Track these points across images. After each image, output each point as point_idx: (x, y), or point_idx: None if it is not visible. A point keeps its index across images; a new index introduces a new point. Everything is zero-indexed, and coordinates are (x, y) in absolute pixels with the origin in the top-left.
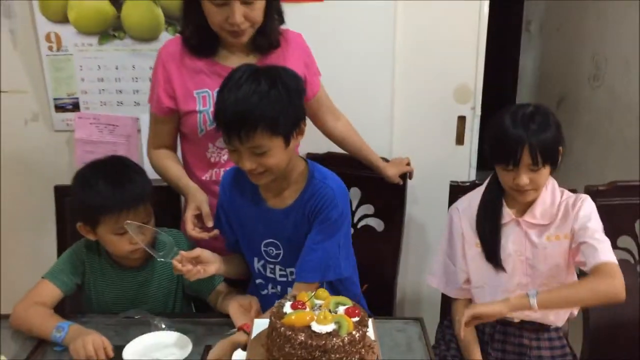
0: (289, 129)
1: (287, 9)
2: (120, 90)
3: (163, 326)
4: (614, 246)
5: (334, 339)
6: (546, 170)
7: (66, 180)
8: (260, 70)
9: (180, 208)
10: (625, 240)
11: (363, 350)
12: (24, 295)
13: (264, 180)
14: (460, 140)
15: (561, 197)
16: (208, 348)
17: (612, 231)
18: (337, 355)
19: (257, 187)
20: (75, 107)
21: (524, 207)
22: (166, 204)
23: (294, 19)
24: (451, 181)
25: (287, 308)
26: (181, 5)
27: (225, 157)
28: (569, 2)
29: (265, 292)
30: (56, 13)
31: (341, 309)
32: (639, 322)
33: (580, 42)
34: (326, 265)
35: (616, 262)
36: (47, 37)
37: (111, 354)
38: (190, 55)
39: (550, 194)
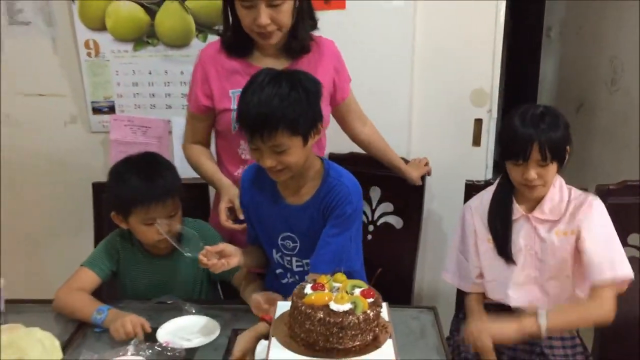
0: (307, 129)
1: None
2: (153, 94)
3: (193, 311)
4: (624, 244)
5: (350, 316)
6: (554, 166)
7: (102, 178)
8: (281, 74)
9: (208, 204)
10: (635, 238)
11: (377, 328)
12: (65, 282)
13: (283, 177)
14: (477, 142)
15: (569, 194)
16: (235, 332)
17: (623, 229)
18: (353, 332)
19: (276, 185)
20: (111, 109)
21: (534, 204)
22: (196, 200)
23: (318, 25)
24: (467, 180)
25: (308, 289)
26: (221, 8)
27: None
28: (588, 5)
29: (285, 280)
30: (94, 21)
31: (357, 291)
32: None
33: (598, 46)
34: (339, 258)
35: (611, 278)
36: (86, 44)
37: (148, 329)
38: (227, 56)
39: (559, 191)
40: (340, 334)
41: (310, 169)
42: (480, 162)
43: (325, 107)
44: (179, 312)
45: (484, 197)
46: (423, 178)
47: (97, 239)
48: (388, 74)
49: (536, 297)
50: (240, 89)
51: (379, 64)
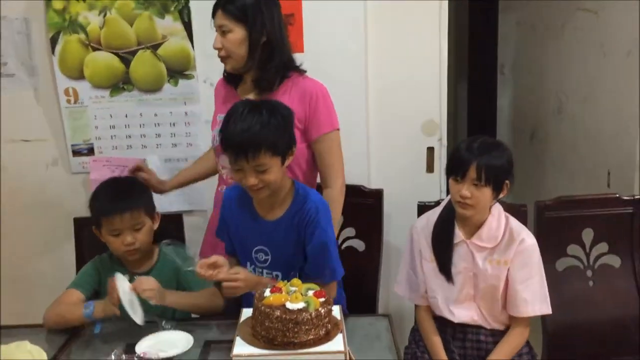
0: (285, 150)
1: None
2: (129, 135)
3: (169, 327)
4: (564, 254)
5: (304, 313)
6: (487, 191)
7: (83, 215)
8: (260, 104)
9: (183, 233)
10: (574, 249)
11: (329, 325)
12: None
13: (262, 195)
14: (430, 168)
15: (506, 224)
16: (207, 343)
17: (562, 240)
18: (307, 327)
19: (252, 203)
20: (90, 151)
21: (473, 230)
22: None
23: None
24: (419, 201)
25: (267, 292)
26: None
27: (227, 176)
28: (533, 45)
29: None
30: (73, 71)
31: (310, 292)
32: (592, 323)
33: (545, 79)
34: (333, 267)
35: (528, 314)
36: (66, 92)
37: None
38: (225, 83)
39: (497, 219)
40: (296, 329)
41: (282, 188)
42: (434, 187)
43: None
44: (156, 328)
45: (430, 219)
46: (380, 202)
47: (79, 268)
48: (345, 110)
49: (476, 314)
50: (223, 114)
51: (337, 101)
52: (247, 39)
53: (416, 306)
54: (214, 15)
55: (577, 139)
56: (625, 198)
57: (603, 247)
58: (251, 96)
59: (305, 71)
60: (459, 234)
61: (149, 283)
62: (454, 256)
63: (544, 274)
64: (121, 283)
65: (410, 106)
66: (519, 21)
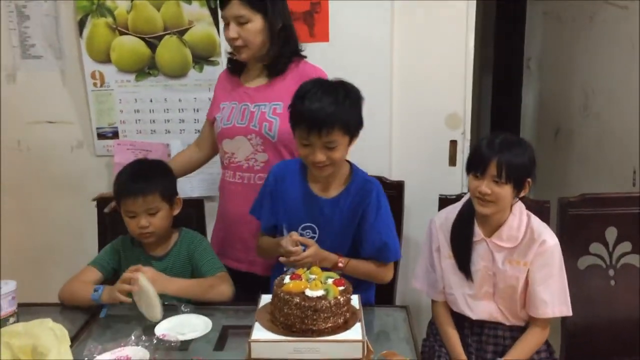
0: (354, 130)
1: None
2: (153, 120)
3: (187, 310)
4: (587, 252)
5: (323, 301)
6: (508, 188)
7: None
8: (334, 84)
9: (204, 219)
10: (596, 247)
11: (347, 313)
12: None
13: (326, 172)
14: (452, 161)
15: (528, 223)
16: (225, 328)
17: (585, 238)
18: (325, 315)
19: (307, 179)
20: (115, 135)
21: (493, 229)
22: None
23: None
24: (440, 194)
25: (287, 280)
26: None
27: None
28: (561, 39)
29: (284, 264)
30: (100, 54)
31: (330, 280)
32: (612, 322)
33: (571, 75)
34: (396, 247)
35: (548, 315)
36: (93, 75)
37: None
38: (229, 74)
39: (518, 218)
40: (314, 317)
41: (341, 167)
42: (456, 180)
43: None
44: (175, 312)
45: (449, 215)
46: (401, 195)
47: (101, 248)
48: (369, 101)
49: (494, 311)
50: (228, 102)
51: (361, 92)
52: (266, 27)
53: (433, 301)
54: (224, 5)
55: (602, 136)
56: None
57: (626, 246)
58: (259, 81)
59: (305, 57)
60: (478, 232)
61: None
62: (473, 254)
63: (564, 275)
64: (143, 282)
65: (435, 99)
66: (545, 11)
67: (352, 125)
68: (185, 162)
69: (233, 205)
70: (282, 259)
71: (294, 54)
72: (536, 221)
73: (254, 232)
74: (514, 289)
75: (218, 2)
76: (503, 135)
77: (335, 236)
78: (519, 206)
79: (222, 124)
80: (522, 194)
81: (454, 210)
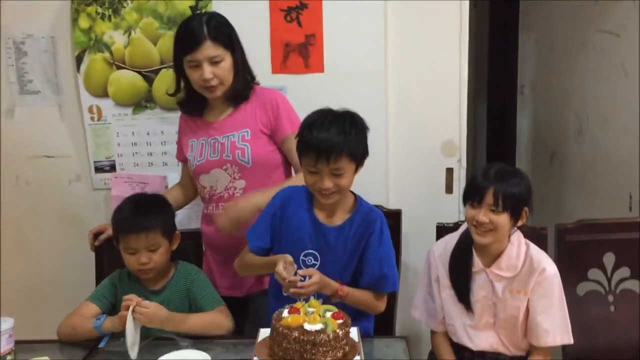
0: (360, 158)
1: (294, 79)
2: (150, 152)
3: (186, 345)
4: (585, 279)
5: (322, 334)
6: (505, 217)
7: None
8: (340, 113)
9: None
10: (595, 273)
11: (347, 347)
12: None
13: (332, 200)
14: (449, 189)
15: (527, 251)
16: None
17: (583, 264)
18: (324, 348)
19: (312, 206)
20: (112, 168)
21: (492, 259)
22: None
23: (299, 87)
24: (437, 223)
25: (285, 313)
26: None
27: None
28: (554, 64)
29: (286, 294)
30: (97, 89)
31: (328, 314)
32: (612, 348)
33: (565, 100)
34: (395, 278)
35: (549, 345)
36: (90, 109)
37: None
38: (188, 115)
39: (516, 247)
40: (313, 351)
41: (347, 196)
42: (453, 208)
43: (267, 143)
44: (174, 346)
45: (447, 245)
46: (399, 224)
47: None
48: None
49: (495, 342)
50: (197, 139)
51: None
52: (234, 64)
53: (432, 331)
54: (195, 48)
55: (597, 160)
56: None
57: (625, 271)
58: (223, 115)
59: (258, 82)
60: (477, 262)
61: (145, 305)
62: (472, 284)
63: (565, 303)
64: (131, 315)
65: (430, 126)
66: (537, 39)
67: (359, 153)
68: (172, 202)
69: (219, 235)
70: (290, 290)
71: (252, 81)
72: (535, 249)
73: None
74: (515, 319)
75: (180, 47)
76: (499, 165)
77: (338, 264)
78: (517, 235)
79: (196, 161)
80: (519, 223)
81: (452, 240)
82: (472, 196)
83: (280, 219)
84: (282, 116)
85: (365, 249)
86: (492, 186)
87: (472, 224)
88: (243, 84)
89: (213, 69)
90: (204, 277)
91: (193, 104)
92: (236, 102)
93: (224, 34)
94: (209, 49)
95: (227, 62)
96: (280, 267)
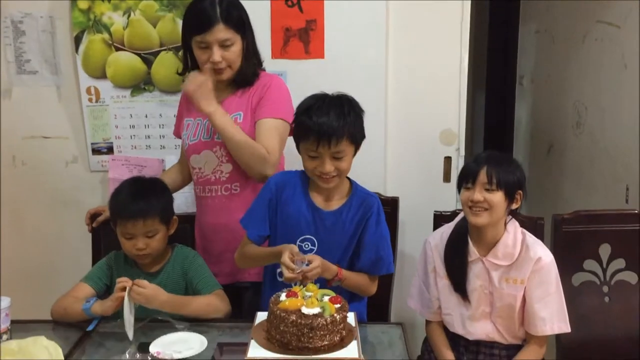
0: (359, 141)
1: (294, 64)
2: (148, 135)
3: (182, 327)
4: (581, 269)
5: (319, 319)
6: (500, 195)
7: None
8: (340, 99)
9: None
10: (590, 264)
11: (344, 331)
12: None
13: (332, 183)
14: (447, 178)
15: (523, 240)
16: (221, 346)
17: (579, 255)
18: (322, 332)
19: (308, 191)
20: (110, 150)
21: (488, 247)
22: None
23: (299, 72)
24: (435, 211)
25: (283, 297)
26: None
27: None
28: (553, 56)
29: (282, 279)
30: (96, 70)
31: (326, 298)
32: (607, 338)
33: (564, 92)
34: (390, 260)
35: (546, 333)
36: (88, 91)
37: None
38: None
39: (512, 235)
40: (311, 334)
41: (342, 182)
42: (451, 196)
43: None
44: (170, 328)
45: (444, 235)
46: (395, 213)
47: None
48: (364, 116)
49: (491, 331)
50: (193, 119)
51: None
52: (244, 48)
53: (427, 321)
54: (206, 29)
55: (595, 152)
56: None
57: (620, 263)
58: (221, 96)
59: (264, 68)
60: (474, 251)
61: (143, 285)
62: (469, 274)
63: (562, 292)
64: (128, 296)
65: (429, 115)
66: (538, 30)
67: (358, 136)
68: (170, 183)
69: (205, 219)
70: (287, 275)
71: (260, 66)
72: (531, 238)
73: (229, 245)
74: (512, 308)
75: (190, 26)
76: (489, 151)
77: (335, 249)
78: (513, 224)
79: (189, 140)
80: (514, 206)
81: (448, 229)
82: (466, 178)
83: (275, 204)
84: (267, 99)
85: (363, 232)
86: (485, 166)
87: (467, 206)
88: (251, 69)
89: (223, 52)
90: (201, 260)
91: None
92: (240, 86)
93: (237, 16)
94: (221, 31)
95: (237, 46)
96: (286, 258)
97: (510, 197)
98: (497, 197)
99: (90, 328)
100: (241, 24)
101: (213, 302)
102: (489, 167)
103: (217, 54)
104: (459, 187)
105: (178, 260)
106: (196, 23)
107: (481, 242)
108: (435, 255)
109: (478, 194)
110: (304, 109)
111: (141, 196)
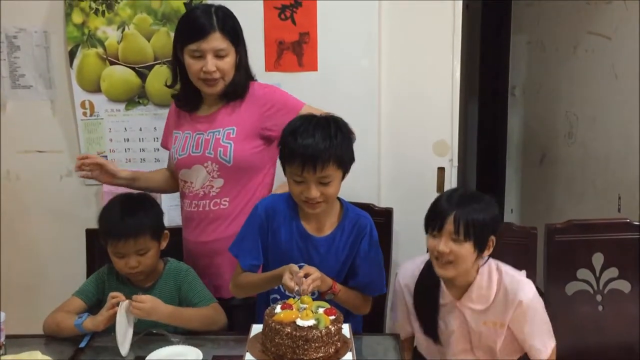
0: (348, 164)
1: (288, 77)
2: (143, 149)
3: (177, 341)
4: (574, 278)
5: (314, 330)
6: (468, 247)
7: (95, 226)
8: (326, 120)
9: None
10: (583, 273)
11: (339, 343)
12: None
13: (319, 209)
14: (440, 188)
15: (499, 281)
16: (216, 358)
17: (572, 264)
18: (317, 344)
19: (298, 218)
20: None
21: (461, 290)
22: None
23: (293, 85)
24: None
25: (278, 309)
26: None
27: (187, 191)
28: (545, 66)
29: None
30: (90, 84)
31: (321, 310)
32: (600, 347)
33: (556, 102)
34: (383, 281)
35: (548, 356)
36: (82, 104)
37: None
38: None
39: (487, 278)
40: (306, 346)
41: (333, 205)
42: None
43: (253, 145)
44: (165, 342)
45: (414, 273)
46: (389, 223)
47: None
48: (357, 128)
49: None
50: (181, 132)
51: (349, 119)
52: (238, 60)
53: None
54: (202, 37)
55: (587, 162)
56: (636, 223)
57: (613, 272)
58: (212, 109)
59: (256, 79)
60: (447, 294)
61: (142, 299)
62: (446, 316)
63: (546, 315)
64: (121, 311)
65: (422, 126)
66: (529, 41)
67: (346, 159)
68: (163, 181)
69: (191, 234)
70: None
71: (250, 79)
72: (508, 277)
73: (213, 260)
74: (492, 349)
75: (184, 35)
76: (463, 189)
77: (328, 273)
78: (487, 266)
79: (178, 154)
80: (485, 253)
81: (418, 268)
82: (432, 223)
83: (267, 231)
84: (280, 101)
85: (357, 255)
86: (453, 211)
87: (433, 256)
88: (242, 82)
89: (217, 62)
90: (194, 274)
91: (188, 99)
92: (230, 100)
93: (232, 27)
94: (217, 40)
95: (231, 57)
96: (287, 279)
97: (480, 246)
98: (465, 249)
99: (82, 345)
100: (236, 36)
101: (211, 315)
102: (457, 212)
103: (211, 62)
104: (426, 229)
105: (170, 275)
106: (191, 31)
107: (453, 286)
108: (405, 294)
109: (443, 246)
110: (290, 130)
111: (131, 214)
